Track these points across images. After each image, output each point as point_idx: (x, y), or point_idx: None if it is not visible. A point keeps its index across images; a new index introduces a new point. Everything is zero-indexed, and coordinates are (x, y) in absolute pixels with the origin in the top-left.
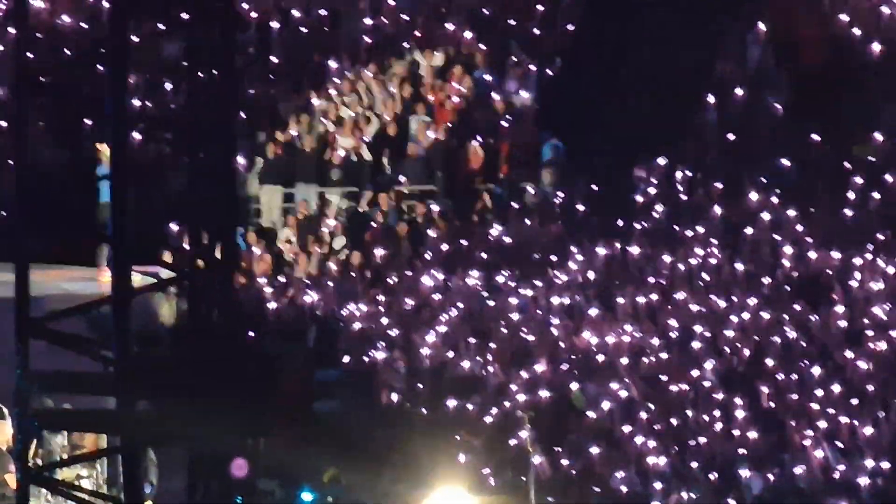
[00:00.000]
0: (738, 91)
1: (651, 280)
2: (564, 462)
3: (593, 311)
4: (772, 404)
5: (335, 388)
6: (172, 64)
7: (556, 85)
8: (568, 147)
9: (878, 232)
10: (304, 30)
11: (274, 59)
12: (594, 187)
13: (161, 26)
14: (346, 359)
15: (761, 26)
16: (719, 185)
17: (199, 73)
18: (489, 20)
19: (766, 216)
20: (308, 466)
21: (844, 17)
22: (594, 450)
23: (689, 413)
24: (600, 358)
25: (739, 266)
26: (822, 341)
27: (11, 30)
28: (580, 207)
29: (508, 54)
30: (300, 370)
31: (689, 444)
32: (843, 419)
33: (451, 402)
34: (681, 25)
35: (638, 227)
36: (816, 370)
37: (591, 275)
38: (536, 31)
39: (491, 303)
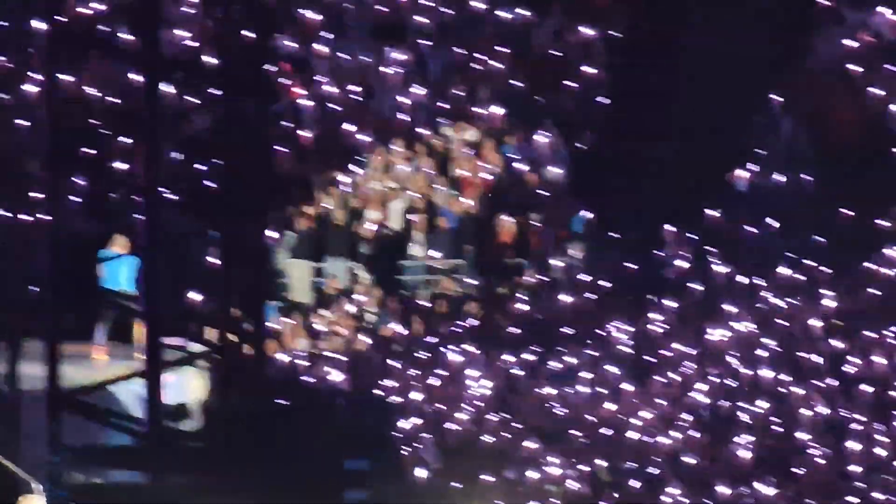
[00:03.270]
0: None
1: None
2: None
3: (624, 387)
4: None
5: (365, 477)
6: (204, 137)
7: (588, 159)
8: (599, 221)
9: None
10: (335, 106)
11: (306, 133)
12: (625, 263)
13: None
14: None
15: (793, 101)
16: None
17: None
18: (519, 94)
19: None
20: None
21: (877, 92)
22: None
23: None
24: (630, 434)
25: (770, 341)
26: (851, 417)
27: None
28: (610, 283)
29: (539, 128)
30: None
31: None
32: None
33: (483, 477)
34: (711, 100)
35: (669, 303)
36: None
37: (622, 349)
38: (567, 106)
39: (521, 377)
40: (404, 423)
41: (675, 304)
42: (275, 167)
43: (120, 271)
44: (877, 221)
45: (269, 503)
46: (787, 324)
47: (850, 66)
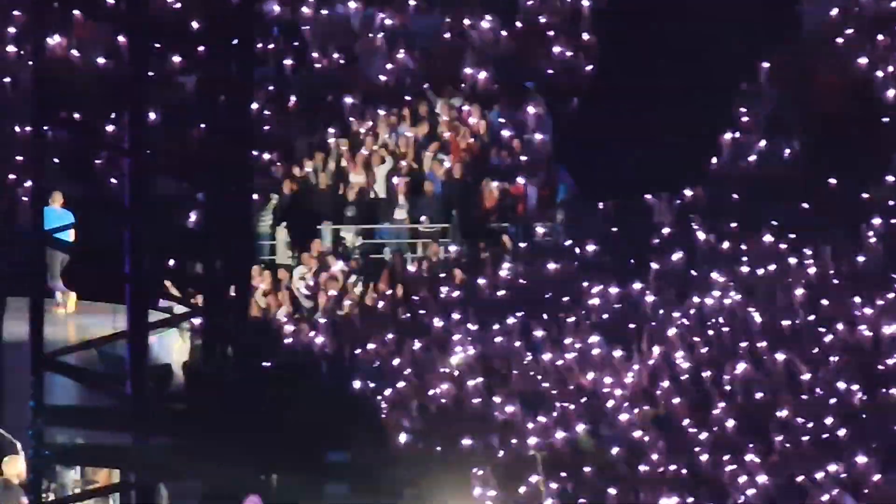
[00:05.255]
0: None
1: (665, 321)
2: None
3: (605, 353)
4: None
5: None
6: (190, 100)
7: (572, 125)
8: (583, 187)
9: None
10: (319, 66)
11: (291, 96)
12: (608, 228)
13: (179, 62)
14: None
15: (777, 70)
16: (733, 227)
17: (216, 110)
18: (505, 60)
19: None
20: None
21: (862, 61)
22: (606, 490)
23: (702, 455)
24: (611, 400)
25: (753, 309)
26: (835, 383)
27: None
28: (594, 248)
29: (524, 94)
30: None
31: (702, 486)
32: (859, 461)
33: (464, 442)
34: (697, 68)
35: (652, 268)
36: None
37: (604, 316)
38: (552, 71)
39: (504, 343)
40: (387, 387)
41: (658, 270)
42: (260, 131)
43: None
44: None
45: (252, 464)
46: (770, 291)
47: (836, 34)
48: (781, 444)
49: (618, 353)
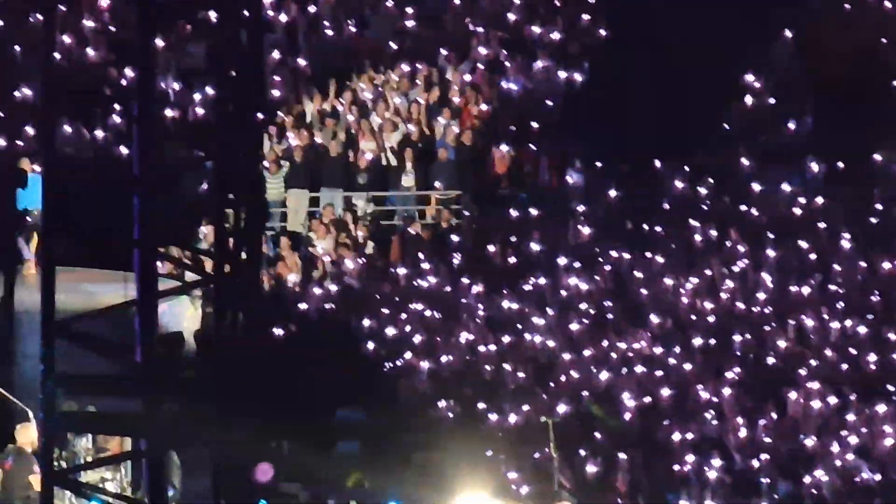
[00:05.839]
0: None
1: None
2: (588, 468)
3: (615, 319)
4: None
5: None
6: (199, 67)
7: (582, 90)
8: (593, 153)
9: None
10: (330, 33)
11: (301, 62)
12: (619, 193)
13: (188, 28)
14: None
15: (788, 32)
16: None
17: (226, 76)
18: (515, 26)
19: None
20: (332, 470)
21: (871, 24)
22: (617, 456)
23: (713, 421)
24: (623, 365)
25: (766, 274)
26: (844, 348)
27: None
28: (604, 214)
29: (534, 59)
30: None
31: (713, 451)
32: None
33: (476, 407)
34: (707, 30)
35: (661, 232)
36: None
37: (615, 282)
38: (561, 36)
39: (515, 308)
40: (398, 353)
41: (667, 237)
42: (270, 96)
43: (33, 191)
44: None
45: (263, 432)
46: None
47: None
48: (794, 410)
49: (628, 320)
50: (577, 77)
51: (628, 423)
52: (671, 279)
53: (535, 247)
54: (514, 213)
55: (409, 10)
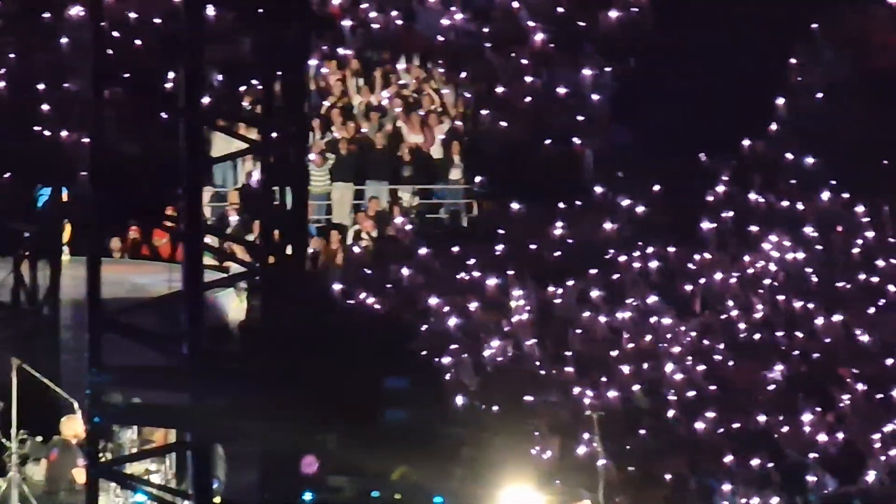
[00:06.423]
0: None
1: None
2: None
3: (661, 312)
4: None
5: (404, 396)
6: (247, 60)
7: (629, 85)
8: (640, 147)
9: None
10: (376, 26)
11: (347, 53)
12: (665, 188)
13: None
14: (415, 358)
15: (835, 28)
16: (791, 185)
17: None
18: (562, 20)
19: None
20: (378, 464)
21: None
22: (662, 451)
23: (760, 416)
24: (668, 360)
25: (810, 269)
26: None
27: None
28: (649, 208)
29: (581, 54)
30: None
31: (757, 445)
32: None
33: (521, 402)
34: (754, 27)
35: (708, 227)
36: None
37: (660, 276)
38: (609, 31)
39: (560, 304)
40: (443, 347)
41: (714, 231)
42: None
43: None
44: None
45: (309, 424)
46: (826, 252)
47: None
48: (839, 405)
49: (673, 314)
50: (624, 71)
51: (675, 417)
52: (719, 272)
53: (581, 240)
54: (561, 205)
55: (456, 3)
